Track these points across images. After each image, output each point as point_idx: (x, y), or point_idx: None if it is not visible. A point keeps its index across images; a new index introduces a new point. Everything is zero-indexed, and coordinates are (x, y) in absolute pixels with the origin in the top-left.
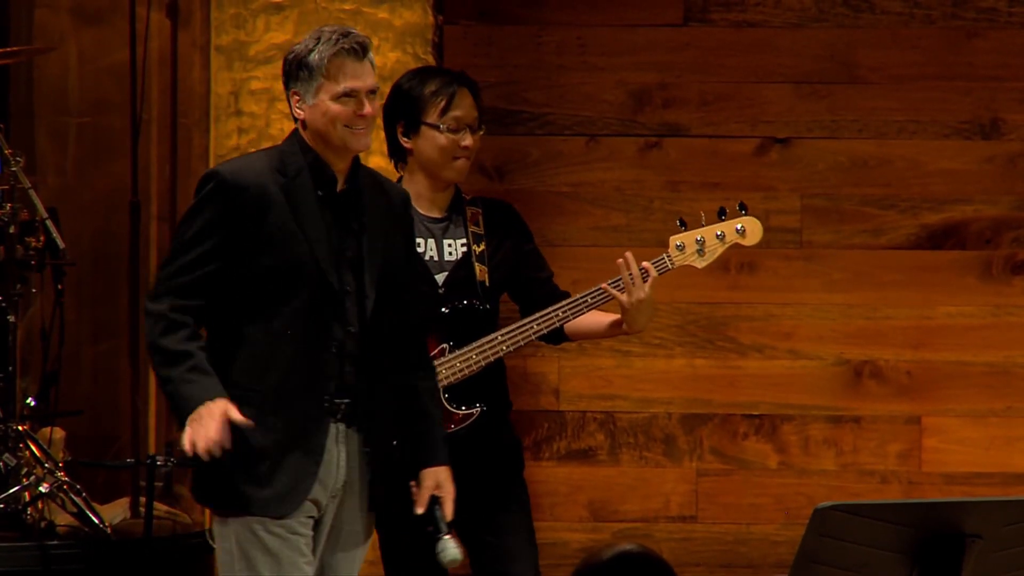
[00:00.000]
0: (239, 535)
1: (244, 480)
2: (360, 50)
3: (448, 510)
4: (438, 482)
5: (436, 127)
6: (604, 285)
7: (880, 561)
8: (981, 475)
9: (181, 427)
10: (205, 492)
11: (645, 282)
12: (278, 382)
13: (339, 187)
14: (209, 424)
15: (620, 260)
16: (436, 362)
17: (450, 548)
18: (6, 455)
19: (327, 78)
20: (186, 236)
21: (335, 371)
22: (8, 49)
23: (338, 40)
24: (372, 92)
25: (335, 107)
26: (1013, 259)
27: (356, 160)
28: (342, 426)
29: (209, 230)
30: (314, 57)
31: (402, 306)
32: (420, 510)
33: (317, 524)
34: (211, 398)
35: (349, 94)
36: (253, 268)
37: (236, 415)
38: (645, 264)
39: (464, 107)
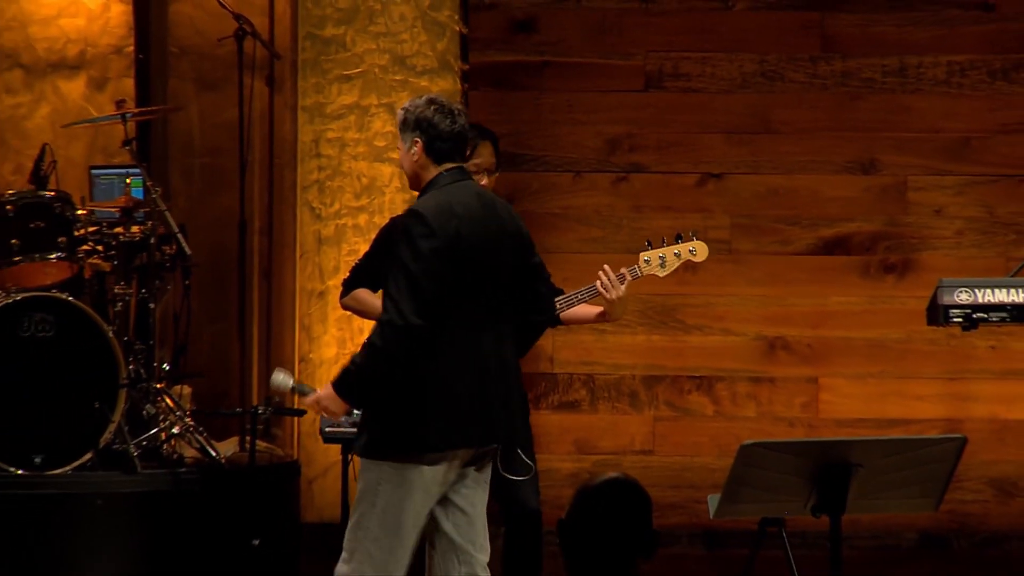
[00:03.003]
0: None
1: None
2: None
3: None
4: None
5: None
6: (596, 285)
7: (788, 484)
8: (863, 420)
9: None
10: None
11: (622, 284)
12: None
13: None
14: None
15: (600, 271)
16: None
17: (276, 374)
18: (148, 406)
19: None
20: None
21: None
22: (149, 108)
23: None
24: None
25: None
26: (885, 262)
27: None
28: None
29: None
30: None
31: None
32: None
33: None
34: None
35: None
36: None
37: None
38: (623, 270)
39: (484, 155)
